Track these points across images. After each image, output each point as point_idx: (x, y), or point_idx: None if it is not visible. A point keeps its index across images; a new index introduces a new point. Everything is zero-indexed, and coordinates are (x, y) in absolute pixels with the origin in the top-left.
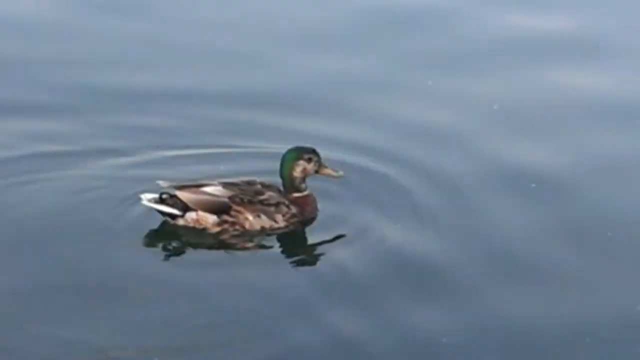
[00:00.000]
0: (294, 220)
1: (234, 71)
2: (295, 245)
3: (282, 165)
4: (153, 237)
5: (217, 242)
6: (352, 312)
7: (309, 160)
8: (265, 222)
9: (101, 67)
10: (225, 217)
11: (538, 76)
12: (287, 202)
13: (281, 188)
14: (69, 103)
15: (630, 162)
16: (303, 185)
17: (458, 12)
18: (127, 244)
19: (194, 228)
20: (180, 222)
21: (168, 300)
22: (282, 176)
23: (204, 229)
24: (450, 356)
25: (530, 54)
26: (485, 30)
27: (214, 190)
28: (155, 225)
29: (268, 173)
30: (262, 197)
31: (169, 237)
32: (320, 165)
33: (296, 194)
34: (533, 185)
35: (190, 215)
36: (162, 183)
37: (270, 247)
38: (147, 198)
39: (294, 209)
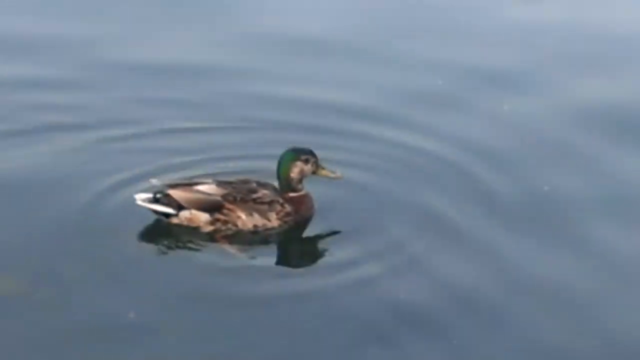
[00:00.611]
0: (289, 219)
1: None
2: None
3: (279, 166)
4: (145, 235)
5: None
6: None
7: (306, 161)
8: (258, 220)
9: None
10: (218, 216)
11: None
12: (281, 201)
13: (277, 186)
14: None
15: None
16: (300, 186)
17: None
18: (119, 239)
19: (187, 227)
20: (175, 220)
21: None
22: (279, 177)
23: (197, 228)
24: None
25: None
26: None
27: (208, 188)
28: (149, 222)
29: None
30: (255, 196)
31: (162, 235)
32: (317, 166)
33: (292, 194)
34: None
35: (184, 214)
36: (154, 181)
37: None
38: (141, 198)
39: (288, 208)
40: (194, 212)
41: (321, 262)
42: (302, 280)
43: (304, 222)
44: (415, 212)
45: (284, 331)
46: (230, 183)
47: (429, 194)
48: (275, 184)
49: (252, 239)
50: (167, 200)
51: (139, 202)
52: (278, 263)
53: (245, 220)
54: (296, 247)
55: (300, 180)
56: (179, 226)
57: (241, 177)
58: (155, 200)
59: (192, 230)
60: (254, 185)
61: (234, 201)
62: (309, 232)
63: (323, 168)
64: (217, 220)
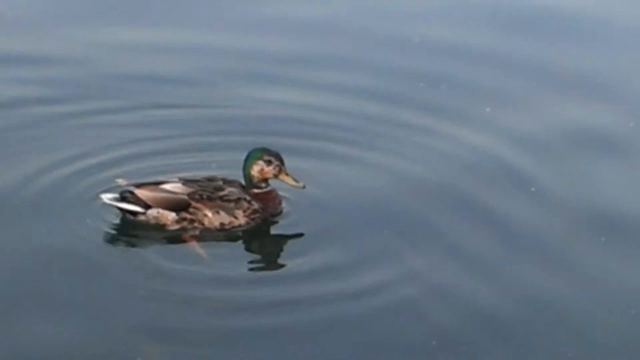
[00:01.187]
0: (256, 216)
1: None
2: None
3: (244, 161)
4: (111, 233)
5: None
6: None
7: (269, 162)
8: (224, 218)
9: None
10: (184, 214)
11: None
12: (248, 198)
13: (243, 184)
14: None
15: None
16: (263, 184)
17: None
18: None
19: (155, 224)
20: (142, 218)
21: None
22: (243, 173)
23: (164, 226)
24: None
25: None
26: None
27: (173, 187)
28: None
29: None
30: (222, 193)
31: (127, 233)
32: (280, 170)
33: (256, 190)
34: (603, 239)
35: (152, 213)
36: (120, 181)
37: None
38: (107, 197)
39: (255, 205)
40: (160, 210)
41: (289, 261)
42: (269, 281)
43: (272, 219)
44: (389, 213)
45: (247, 335)
46: (196, 181)
47: (415, 197)
48: (242, 180)
49: (219, 236)
50: (134, 198)
51: (106, 201)
52: (245, 262)
53: (211, 218)
54: (263, 244)
55: (261, 180)
56: (146, 224)
57: (206, 174)
58: (122, 199)
59: (160, 228)
60: (220, 182)
61: (200, 199)
62: (276, 229)
63: (286, 174)
64: (184, 219)
